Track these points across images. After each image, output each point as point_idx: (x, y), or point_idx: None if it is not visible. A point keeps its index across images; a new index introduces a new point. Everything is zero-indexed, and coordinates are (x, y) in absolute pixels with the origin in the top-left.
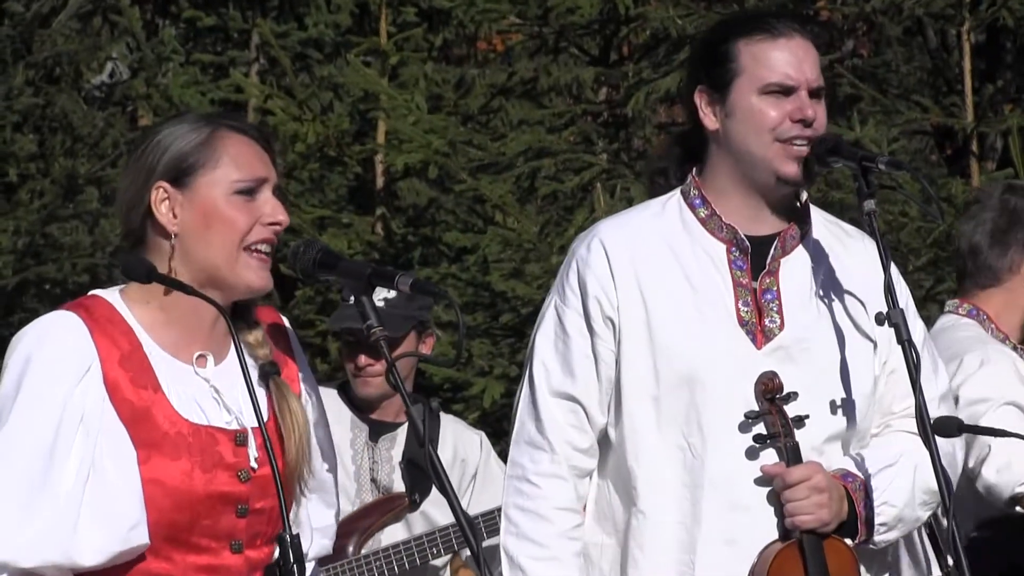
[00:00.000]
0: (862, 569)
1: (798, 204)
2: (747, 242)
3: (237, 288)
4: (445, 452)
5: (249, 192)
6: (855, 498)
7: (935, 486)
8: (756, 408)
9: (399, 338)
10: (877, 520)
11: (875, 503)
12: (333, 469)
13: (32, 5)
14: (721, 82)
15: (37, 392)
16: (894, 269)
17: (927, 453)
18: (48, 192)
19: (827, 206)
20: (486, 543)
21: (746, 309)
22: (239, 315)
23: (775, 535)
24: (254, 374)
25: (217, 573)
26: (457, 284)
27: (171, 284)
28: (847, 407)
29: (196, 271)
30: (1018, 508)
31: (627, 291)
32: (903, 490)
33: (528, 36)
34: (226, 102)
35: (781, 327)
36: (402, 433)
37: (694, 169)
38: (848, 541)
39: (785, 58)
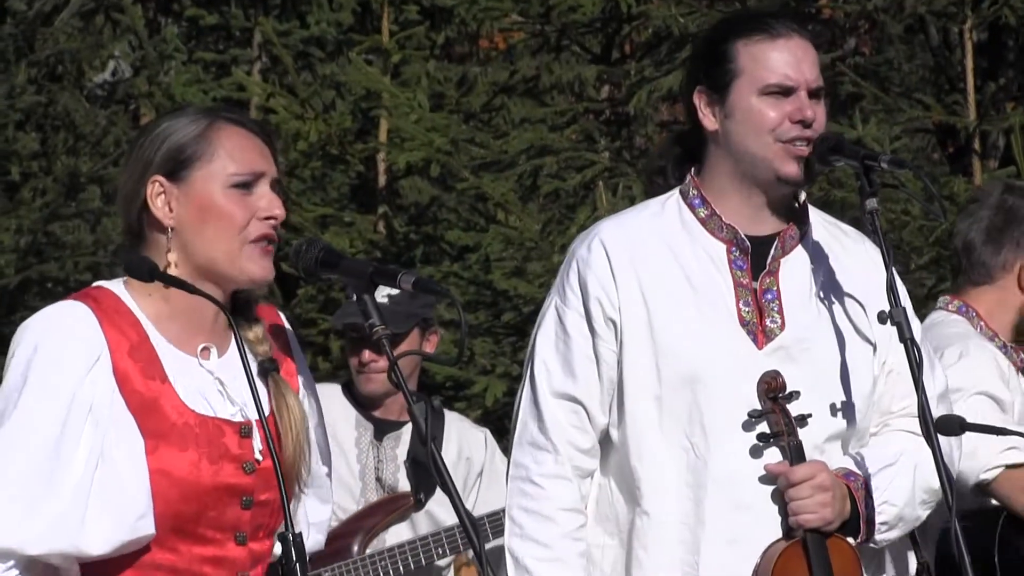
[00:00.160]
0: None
1: (796, 204)
2: (747, 242)
3: (238, 279)
4: (449, 450)
5: (246, 186)
6: (857, 497)
7: (935, 485)
8: (759, 407)
9: (402, 335)
10: (878, 519)
11: (876, 502)
12: (328, 466)
13: (34, 3)
14: (720, 83)
15: (46, 381)
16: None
17: (927, 452)
18: (50, 190)
19: (829, 205)
20: (493, 544)
21: (747, 309)
22: (239, 311)
23: (779, 534)
24: (253, 369)
25: (222, 564)
26: (459, 283)
27: (173, 283)
28: (847, 407)
29: (195, 264)
30: (992, 500)
31: (628, 291)
32: (904, 489)
33: (530, 34)
34: (228, 100)
35: (782, 327)
36: (407, 432)
37: (693, 169)
38: (850, 540)
39: (784, 59)
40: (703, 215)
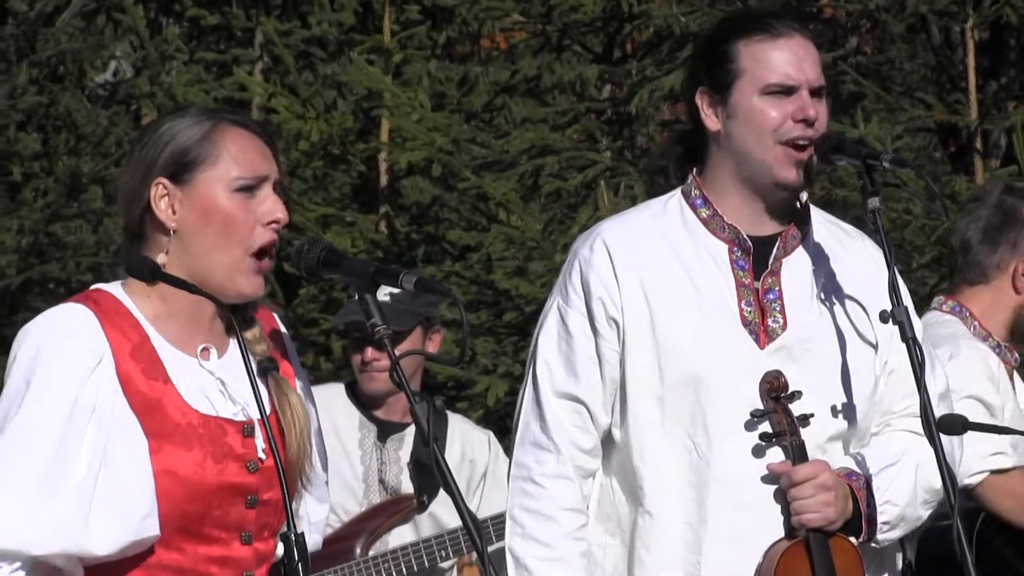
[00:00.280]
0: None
1: (798, 204)
2: (749, 242)
3: (228, 293)
4: (453, 451)
5: (249, 189)
6: (859, 497)
7: (937, 485)
8: (761, 407)
9: (405, 333)
10: (880, 519)
11: (878, 502)
12: (326, 468)
13: (36, 4)
14: (722, 83)
15: (49, 383)
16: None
17: (928, 452)
18: (52, 191)
19: (831, 204)
20: (496, 546)
21: (749, 309)
22: (237, 311)
23: (781, 534)
24: (253, 369)
25: (227, 564)
26: (461, 282)
27: (176, 283)
28: (849, 406)
29: (191, 269)
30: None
31: (630, 291)
32: (905, 489)
33: (531, 34)
34: (230, 100)
35: (784, 327)
36: (410, 433)
37: (695, 169)
38: (853, 539)
39: (785, 58)
40: (705, 215)
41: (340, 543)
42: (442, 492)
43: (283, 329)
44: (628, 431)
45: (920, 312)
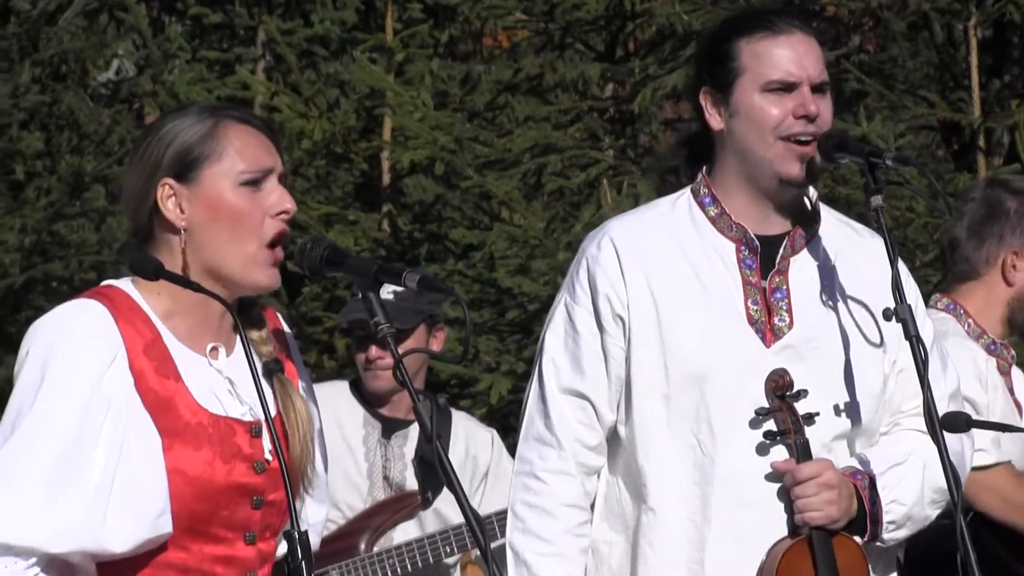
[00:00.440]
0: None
1: (808, 203)
2: (756, 241)
3: (245, 285)
4: (456, 449)
5: (255, 183)
6: (864, 496)
7: (944, 484)
8: (766, 405)
9: (408, 331)
10: (886, 518)
11: (883, 501)
12: (326, 466)
13: (38, 3)
14: (724, 82)
15: (64, 378)
16: (903, 268)
17: (935, 450)
18: (55, 190)
19: (833, 202)
20: (499, 542)
21: (755, 308)
22: (244, 311)
23: (784, 532)
24: (259, 370)
25: (231, 564)
26: (463, 280)
27: (178, 281)
28: (856, 405)
29: (204, 265)
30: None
31: (637, 289)
32: (912, 488)
33: (534, 32)
34: (232, 99)
35: (790, 326)
36: (414, 430)
37: (704, 168)
38: (857, 539)
39: (786, 55)
40: (713, 214)
41: (344, 539)
42: (446, 489)
43: (287, 329)
44: (633, 428)
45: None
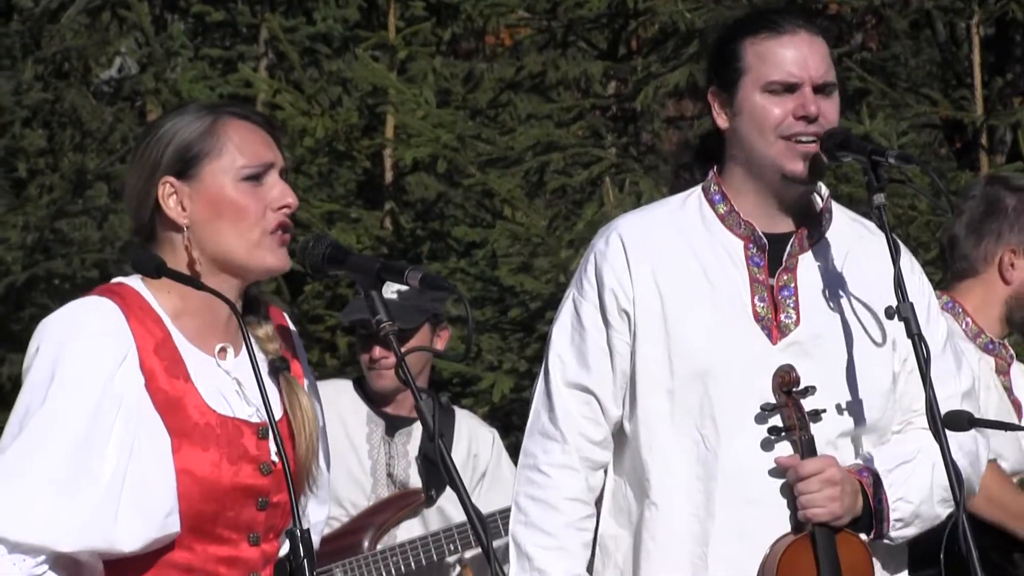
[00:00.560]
0: (879, 565)
1: (820, 200)
2: (764, 239)
3: (255, 270)
4: (459, 447)
5: (256, 177)
6: (870, 493)
7: None
8: (772, 401)
9: (412, 330)
10: (892, 516)
11: (890, 499)
12: (328, 466)
13: (41, 0)
14: (729, 81)
15: (75, 375)
16: (918, 267)
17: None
18: (57, 187)
19: (836, 200)
20: (502, 541)
21: (762, 305)
22: (250, 308)
23: (788, 529)
24: (264, 368)
25: (235, 565)
26: (466, 279)
27: (181, 279)
28: (863, 403)
29: (211, 259)
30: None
31: (643, 284)
32: (920, 487)
33: (536, 30)
34: (235, 97)
35: (797, 323)
36: (418, 428)
37: (715, 166)
38: (863, 536)
39: (788, 55)
40: (722, 211)
41: (348, 537)
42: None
43: (292, 327)
44: (637, 423)
45: None
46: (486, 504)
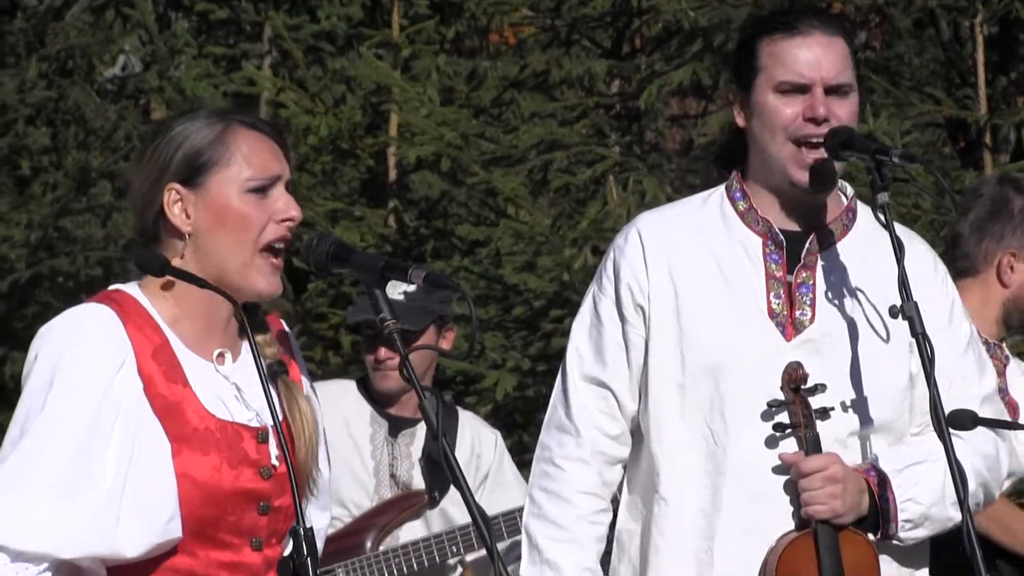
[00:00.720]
0: (895, 564)
1: (844, 199)
2: (781, 236)
3: (246, 292)
4: (463, 447)
5: (262, 190)
6: (876, 492)
7: (972, 487)
8: (780, 398)
9: (418, 332)
10: (901, 516)
11: (899, 499)
12: (329, 472)
13: None
14: (746, 81)
15: (74, 382)
16: (943, 268)
17: (963, 453)
18: (61, 185)
19: None
20: (508, 542)
21: (777, 302)
22: (249, 314)
23: (793, 525)
24: (265, 373)
25: (238, 570)
26: (469, 277)
27: (184, 277)
28: (876, 403)
29: (207, 271)
30: None
31: (659, 279)
32: (931, 488)
33: (540, 28)
34: (238, 95)
35: (811, 320)
36: (422, 429)
37: (739, 165)
38: (871, 536)
39: (801, 55)
40: (742, 208)
41: (351, 538)
42: (453, 489)
43: (289, 332)
44: (648, 418)
45: None
46: (488, 506)
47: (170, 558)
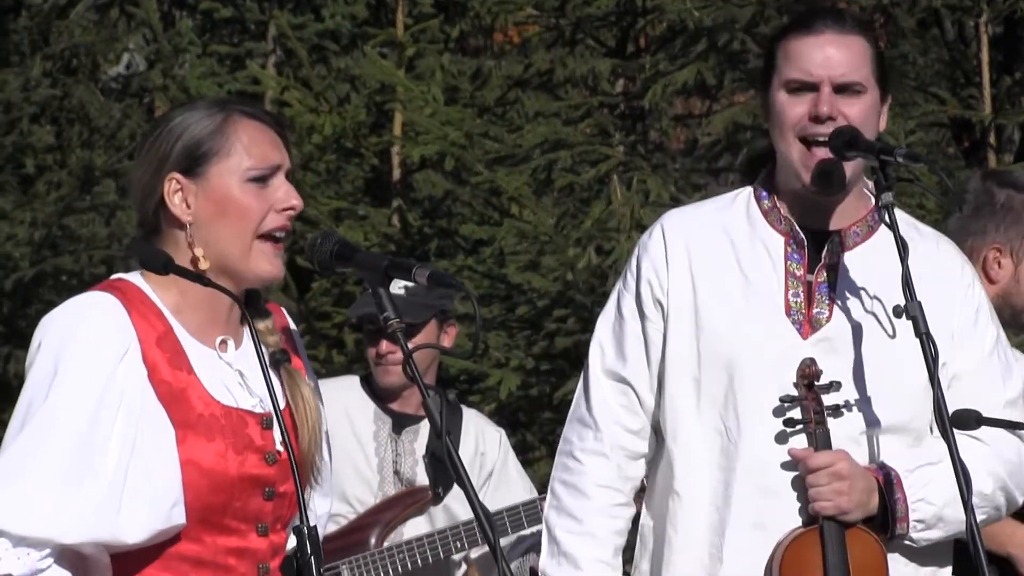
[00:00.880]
0: (914, 563)
1: (872, 200)
2: (802, 235)
3: (248, 278)
4: (467, 445)
5: (262, 179)
6: (885, 491)
7: (987, 490)
8: (793, 394)
9: (419, 325)
10: (912, 516)
11: (910, 499)
12: (331, 460)
13: None
14: (765, 80)
15: (78, 370)
16: (971, 271)
17: (981, 456)
18: (65, 184)
19: None
20: (506, 540)
21: (796, 300)
22: (250, 303)
23: (802, 521)
24: (266, 360)
25: (244, 555)
26: (473, 276)
27: (187, 276)
28: (891, 403)
29: (212, 258)
30: None
31: (678, 275)
32: (945, 489)
33: (545, 28)
34: (243, 93)
35: (828, 319)
36: (425, 426)
37: (769, 164)
38: (879, 534)
39: (810, 54)
40: (766, 207)
41: (355, 534)
42: (456, 485)
43: (291, 322)
44: (665, 412)
45: None
46: (492, 503)
47: (177, 545)
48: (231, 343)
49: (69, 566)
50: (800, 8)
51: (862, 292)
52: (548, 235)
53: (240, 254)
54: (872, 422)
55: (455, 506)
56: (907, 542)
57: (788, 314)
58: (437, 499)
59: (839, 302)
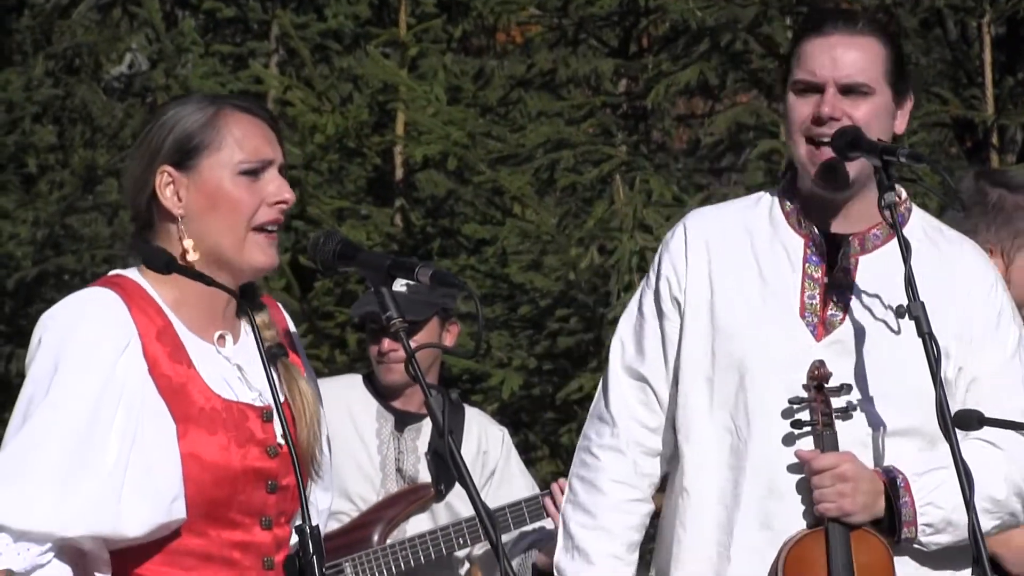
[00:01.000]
0: (929, 566)
1: (897, 201)
2: (820, 237)
3: (244, 269)
4: (469, 444)
5: (254, 173)
6: (892, 494)
7: (1000, 495)
8: (802, 395)
9: (421, 323)
10: (921, 520)
11: (918, 503)
12: (331, 454)
13: None
14: (783, 83)
15: (78, 365)
16: (994, 273)
17: (993, 460)
18: (67, 183)
19: None
20: (508, 537)
21: (812, 302)
22: (246, 296)
23: (807, 522)
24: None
25: (249, 549)
26: (476, 276)
27: (190, 275)
28: (903, 407)
29: (205, 251)
30: None
31: (696, 274)
32: (955, 494)
33: (547, 28)
34: (245, 93)
35: (842, 321)
36: (427, 424)
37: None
38: (886, 537)
39: (817, 54)
40: (788, 209)
41: (357, 531)
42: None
43: (287, 316)
44: (677, 410)
45: None
46: (495, 502)
47: (181, 539)
48: (229, 338)
49: (69, 562)
50: (802, 9)
51: (878, 295)
52: (550, 235)
53: (234, 246)
54: (882, 425)
55: (457, 503)
56: (917, 546)
57: (803, 315)
58: (439, 496)
59: (854, 305)
